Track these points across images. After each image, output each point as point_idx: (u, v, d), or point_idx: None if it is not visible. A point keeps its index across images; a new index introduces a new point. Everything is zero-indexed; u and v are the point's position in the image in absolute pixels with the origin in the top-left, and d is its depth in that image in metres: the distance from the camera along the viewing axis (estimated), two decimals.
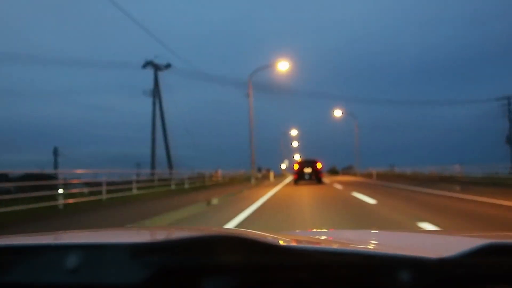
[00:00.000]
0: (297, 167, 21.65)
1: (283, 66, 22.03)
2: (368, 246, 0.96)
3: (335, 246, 0.90)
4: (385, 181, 22.18)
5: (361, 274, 0.64)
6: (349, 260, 0.66)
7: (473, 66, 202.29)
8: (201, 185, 21.01)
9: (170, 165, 27.44)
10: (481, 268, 0.64)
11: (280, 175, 58.60)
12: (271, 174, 30.51)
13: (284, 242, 0.88)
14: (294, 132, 60.41)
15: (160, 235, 1.13)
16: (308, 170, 21.24)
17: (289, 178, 36.82)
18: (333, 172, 75.02)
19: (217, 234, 0.72)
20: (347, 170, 67.94)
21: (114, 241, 0.83)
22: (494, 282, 0.64)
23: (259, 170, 34.06)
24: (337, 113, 39.94)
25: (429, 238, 1.27)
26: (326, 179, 29.57)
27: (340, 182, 22.35)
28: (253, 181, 21.88)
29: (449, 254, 0.64)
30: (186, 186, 18.76)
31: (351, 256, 0.68)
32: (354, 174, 43.94)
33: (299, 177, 21.32)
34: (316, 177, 21.23)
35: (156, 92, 26.23)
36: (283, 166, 71.91)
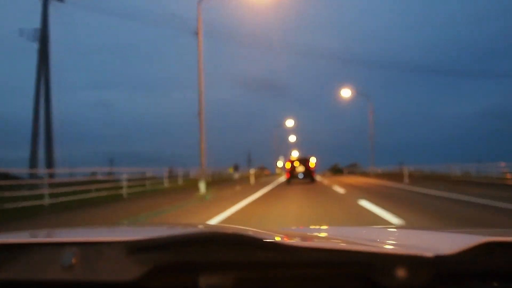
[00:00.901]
0: (289, 166, 20.98)
1: None
2: (364, 243, 0.93)
3: (331, 243, 0.90)
4: (438, 189, 12.54)
5: (357, 271, 0.64)
6: (345, 257, 0.66)
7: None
8: (108, 196, 11.29)
9: (49, 163, 16.66)
10: (477, 265, 0.65)
11: (273, 175, 49.18)
12: (252, 175, 20.99)
13: (280, 239, 0.88)
14: (290, 123, 50.69)
15: (156, 232, 1.10)
16: (300, 168, 20.57)
17: (280, 179, 27.92)
18: (336, 171, 65.19)
19: (214, 231, 0.72)
20: (351, 169, 58.01)
21: (110, 238, 0.81)
22: (491, 279, 0.65)
23: (236, 168, 24.71)
24: (346, 93, 30.23)
25: (426, 235, 1.23)
26: (333, 182, 20.29)
27: (364, 191, 13.02)
28: (202, 188, 12.11)
29: (446, 251, 0.65)
30: (46, 200, 9.01)
31: (347, 253, 0.68)
32: (365, 174, 34.11)
33: (292, 176, 20.70)
34: (309, 176, 20.77)
35: (44, 35, 15.22)
36: (280, 164, 62.45)
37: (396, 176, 25.48)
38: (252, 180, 20.89)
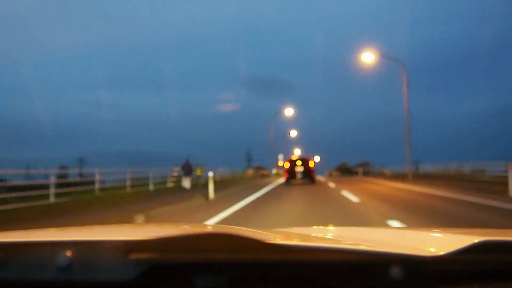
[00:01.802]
0: (288, 166, 20.36)
1: None
2: (362, 243, 0.94)
3: (328, 244, 0.89)
4: None
5: (355, 272, 0.64)
6: (343, 258, 0.66)
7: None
8: None
9: None
10: (473, 265, 0.65)
11: (269, 176, 39.45)
12: (211, 182, 11.13)
13: (276, 239, 0.88)
14: (289, 112, 40.26)
15: (153, 232, 1.09)
16: (299, 168, 19.86)
17: (275, 183, 20.40)
18: (345, 170, 55.68)
19: (210, 231, 0.72)
20: (366, 169, 48.08)
21: (106, 238, 0.82)
22: (488, 280, 0.65)
23: (188, 170, 14.34)
24: (367, 57, 20.58)
25: (424, 236, 1.25)
26: (363, 194, 10.83)
27: None
28: None
29: (443, 251, 0.65)
30: None
31: (344, 254, 0.68)
32: (400, 177, 24.18)
33: (290, 176, 19.88)
34: (309, 176, 19.83)
35: None
36: (280, 163, 52.38)
37: (460, 181, 16.03)
38: (211, 191, 11.20)
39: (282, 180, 20.95)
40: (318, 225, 1.96)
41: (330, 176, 59.00)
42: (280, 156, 50.55)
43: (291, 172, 19.95)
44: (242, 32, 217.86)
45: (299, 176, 19.87)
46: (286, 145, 56.17)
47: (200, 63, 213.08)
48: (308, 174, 19.95)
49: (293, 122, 40.48)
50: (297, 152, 62.15)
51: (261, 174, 43.49)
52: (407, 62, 20.86)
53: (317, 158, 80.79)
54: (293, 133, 51.82)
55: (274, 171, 43.83)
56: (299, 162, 20.34)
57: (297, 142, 59.29)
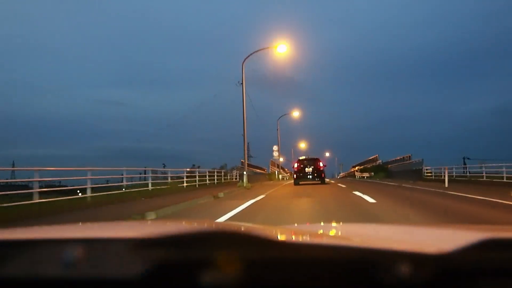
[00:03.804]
0: (297, 166, 20.47)
1: None
2: (367, 240, 0.93)
3: (333, 240, 0.89)
4: None
5: (360, 268, 0.64)
6: (348, 254, 0.66)
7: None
8: None
9: None
10: (481, 261, 0.65)
11: (257, 181, 25.55)
12: None
13: (282, 236, 0.88)
14: (282, 49, 19.58)
15: (161, 229, 1.05)
16: (309, 169, 19.96)
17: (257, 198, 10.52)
18: (379, 169, 34.95)
19: (217, 229, 0.71)
20: (395, 167, 35.79)
21: (114, 235, 0.83)
22: (494, 276, 0.64)
23: None
24: None
25: (429, 232, 1.24)
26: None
27: None
28: None
29: (449, 248, 0.65)
30: None
31: (349, 250, 0.68)
32: None
33: (299, 177, 19.97)
34: (319, 177, 19.84)
35: None
36: (281, 159, 41.73)
37: None
38: None
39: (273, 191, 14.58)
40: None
41: (348, 176, 45.96)
42: (275, 148, 39.27)
43: (300, 173, 19.92)
44: (248, 29, 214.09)
45: (308, 176, 19.74)
46: (288, 137, 48.81)
47: (205, 62, 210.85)
48: (318, 174, 19.95)
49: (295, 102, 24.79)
50: (302, 146, 54.57)
51: (238, 175, 25.39)
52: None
53: (327, 154, 71.56)
54: (296, 114, 39.38)
55: (245, 173, 19.58)
56: (308, 163, 20.24)
57: (304, 136, 51.48)
